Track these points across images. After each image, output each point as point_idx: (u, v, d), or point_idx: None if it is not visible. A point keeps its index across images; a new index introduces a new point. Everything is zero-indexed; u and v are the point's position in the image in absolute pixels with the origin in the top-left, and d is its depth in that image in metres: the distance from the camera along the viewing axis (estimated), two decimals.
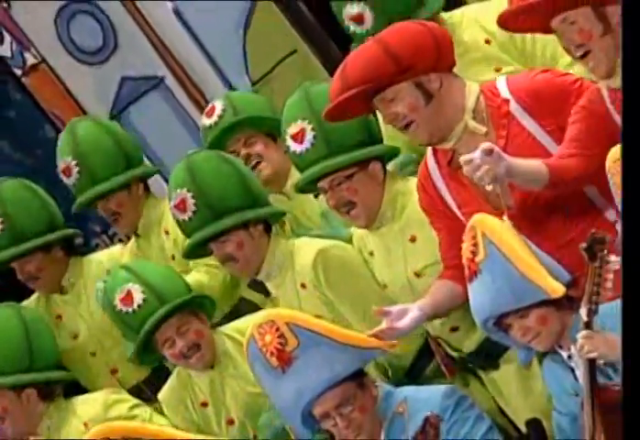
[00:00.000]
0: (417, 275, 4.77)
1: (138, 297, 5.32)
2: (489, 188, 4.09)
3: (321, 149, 4.94)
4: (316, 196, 5.32)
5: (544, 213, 4.13)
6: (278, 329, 4.38)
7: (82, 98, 7.55)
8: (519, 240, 4.14)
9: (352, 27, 5.13)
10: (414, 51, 4.28)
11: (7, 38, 7.67)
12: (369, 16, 5.09)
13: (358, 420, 4.34)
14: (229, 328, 5.29)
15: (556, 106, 4.01)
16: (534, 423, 4.63)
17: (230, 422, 5.29)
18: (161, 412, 5.54)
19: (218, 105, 5.58)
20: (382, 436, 4.42)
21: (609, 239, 3.65)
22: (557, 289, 3.95)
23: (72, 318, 6.10)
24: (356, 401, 4.35)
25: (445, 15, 5.07)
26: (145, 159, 6.22)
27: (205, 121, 5.69)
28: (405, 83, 4.30)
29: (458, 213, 4.18)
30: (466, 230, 4.16)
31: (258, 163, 5.27)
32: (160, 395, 5.43)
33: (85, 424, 5.43)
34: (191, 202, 5.15)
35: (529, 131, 4.23)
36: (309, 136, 5.01)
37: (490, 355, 4.68)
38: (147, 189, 5.98)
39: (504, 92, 4.28)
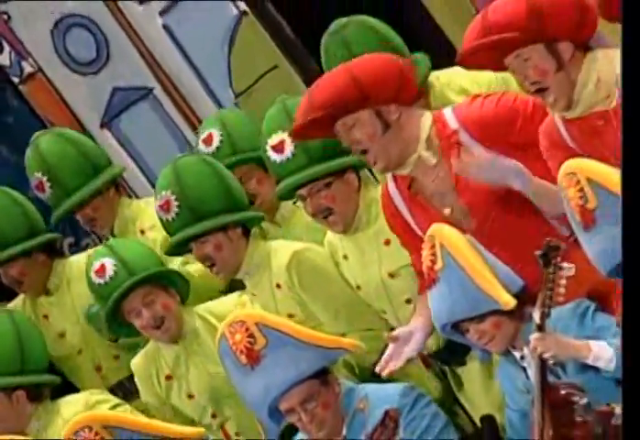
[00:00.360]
0: (391, 276, 4.93)
1: (110, 269, 5.54)
2: (446, 212, 4.41)
3: (300, 159, 5.09)
4: (294, 203, 5.47)
5: (504, 232, 4.32)
6: (247, 329, 4.48)
7: (75, 106, 7.68)
8: (474, 251, 4.29)
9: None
10: (378, 81, 4.42)
11: (6, 48, 7.77)
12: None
13: (320, 415, 4.46)
14: (202, 308, 5.49)
15: (504, 130, 4.14)
16: (488, 419, 4.59)
17: (190, 396, 5.51)
18: (142, 411, 5.66)
19: (215, 134, 5.73)
20: (344, 431, 4.52)
21: (563, 247, 3.86)
22: (508, 301, 4.12)
23: (58, 318, 6.30)
24: (319, 398, 4.47)
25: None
26: (132, 163, 6.47)
27: (203, 148, 5.79)
28: (366, 111, 4.44)
29: (421, 234, 4.29)
30: (425, 239, 4.31)
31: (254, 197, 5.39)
32: (132, 362, 5.59)
33: None
34: (174, 203, 5.29)
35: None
36: (289, 146, 5.13)
37: (455, 352, 4.84)
38: (117, 189, 6.20)
39: (453, 122, 4.40)
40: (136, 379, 5.70)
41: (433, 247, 4.29)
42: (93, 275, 5.64)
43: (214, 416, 5.51)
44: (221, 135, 5.68)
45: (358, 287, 5.08)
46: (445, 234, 4.32)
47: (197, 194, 5.36)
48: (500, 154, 4.25)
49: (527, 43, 4.06)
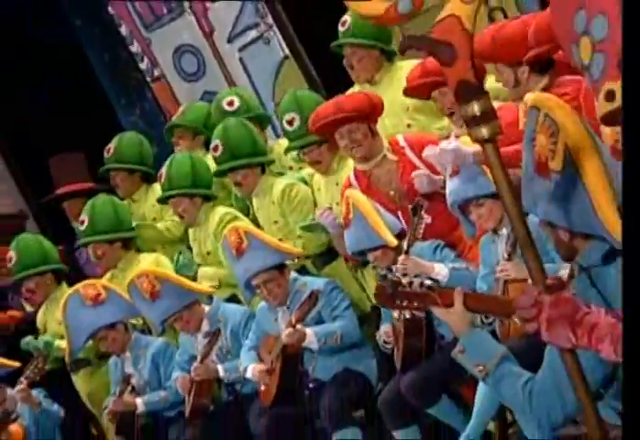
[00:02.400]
0: (337, 204, 5.40)
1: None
2: (391, 193, 5.13)
3: (302, 130, 5.65)
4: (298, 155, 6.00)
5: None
6: (239, 234, 5.40)
7: (182, 101, 8.05)
8: (372, 207, 5.00)
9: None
10: (377, 104, 5.22)
11: (146, 59, 8.38)
12: None
13: (275, 291, 5.36)
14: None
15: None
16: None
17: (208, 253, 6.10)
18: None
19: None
20: (288, 302, 5.39)
21: (425, 205, 4.81)
22: (392, 241, 4.90)
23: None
24: (275, 281, 5.34)
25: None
26: None
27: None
28: (365, 123, 5.19)
29: None
30: (343, 199, 5.14)
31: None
32: None
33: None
34: (220, 148, 5.97)
35: (414, 162, 5.11)
36: (296, 122, 5.72)
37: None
38: None
39: (401, 141, 5.20)
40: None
41: (347, 204, 5.03)
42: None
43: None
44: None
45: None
46: (354, 196, 5.08)
47: (234, 142, 5.98)
48: (422, 161, 4.97)
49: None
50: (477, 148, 4.10)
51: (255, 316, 5.65)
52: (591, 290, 2.70)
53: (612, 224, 2.55)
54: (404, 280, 2.98)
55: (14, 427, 6.10)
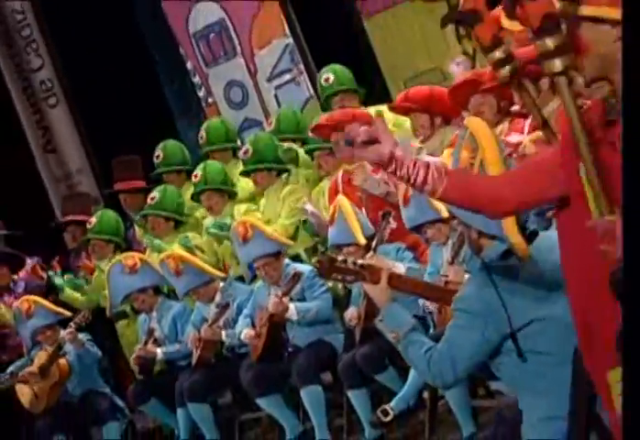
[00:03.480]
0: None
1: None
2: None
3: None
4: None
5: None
6: (245, 226, 5.40)
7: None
8: (352, 211, 4.95)
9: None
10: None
11: (203, 89, 8.35)
12: None
13: (270, 273, 5.37)
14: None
15: None
16: None
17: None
18: None
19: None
20: (282, 283, 5.34)
21: (393, 214, 4.72)
22: (361, 240, 4.89)
23: None
24: (272, 265, 5.35)
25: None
26: None
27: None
28: None
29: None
30: (331, 198, 5.18)
31: None
32: None
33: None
34: (250, 151, 5.90)
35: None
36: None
37: None
38: None
39: None
40: None
41: (335, 206, 4.99)
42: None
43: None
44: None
45: None
46: (341, 200, 5.03)
47: (261, 149, 5.92)
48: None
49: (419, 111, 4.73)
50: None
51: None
52: (488, 289, 2.70)
53: (508, 226, 2.59)
54: (340, 258, 3.01)
55: (62, 360, 6.12)
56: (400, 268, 4.62)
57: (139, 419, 6.49)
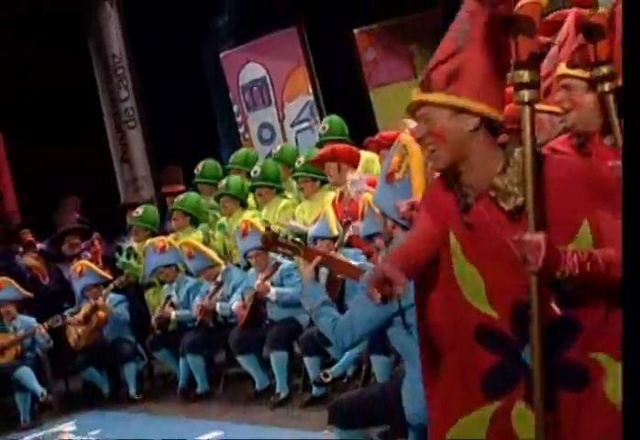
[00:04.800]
0: None
1: None
2: None
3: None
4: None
5: None
6: (246, 224, 5.10)
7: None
8: (335, 217, 4.61)
9: None
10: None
11: (243, 127, 8.39)
12: None
13: (260, 262, 5.16)
14: None
15: None
16: None
17: None
18: None
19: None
20: (266, 270, 5.09)
21: (351, 223, 4.34)
22: (334, 233, 4.53)
23: None
24: (262, 256, 5.06)
25: None
26: None
27: None
28: (334, 163, 5.03)
29: None
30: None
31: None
32: None
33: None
34: (258, 172, 5.78)
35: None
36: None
37: None
38: None
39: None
40: None
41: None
42: None
43: None
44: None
45: None
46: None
47: (266, 171, 5.82)
48: None
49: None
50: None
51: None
52: None
53: None
54: (282, 234, 2.95)
55: (101, 312, 6.09)
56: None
57: (156, 364, 6.43)
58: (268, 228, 3.46)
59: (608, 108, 2.01)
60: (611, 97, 2.01)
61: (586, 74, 2.11)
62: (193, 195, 6.35)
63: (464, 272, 1.82)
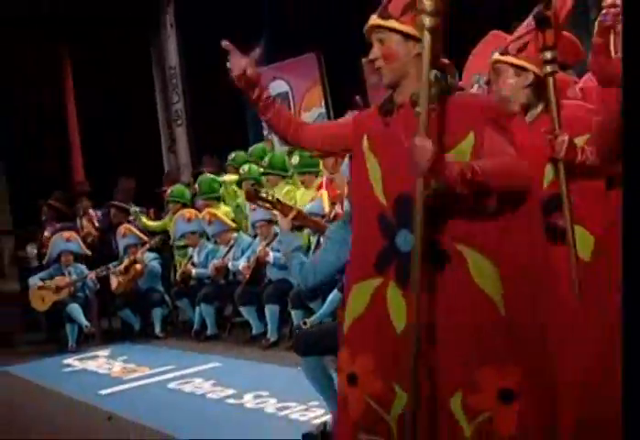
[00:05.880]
0: None
1: None
2: None
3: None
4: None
5: None
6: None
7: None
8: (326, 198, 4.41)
9: None
10: None
11: (266, 130, 7.60)
12: None
13: (264, 232, 5.03)
14: None
15: None
16: None
17: None
18: None
19: None
20: (268, 238, 4.98)
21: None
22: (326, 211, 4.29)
23: None
24: (266, 226, 4.99)
25: None
26: None
27: None
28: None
29: None
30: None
31: None
32: None
33: None
34: (267, 161, 5.47)
35: None
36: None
37: None
38: None
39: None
40: None
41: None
42: None
43: None
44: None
45: None
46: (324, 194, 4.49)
47: (273, 161, 5.54)
48: None
49: None
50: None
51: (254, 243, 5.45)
52: (347, 226, 2.30)
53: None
54: (263, 191, 2.83)
55: (138, 265, 6.04)
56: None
57: (180, 312, 6.36)
58: (252, 184, 3.27)
59: (548, 88, 1.91)
60: (551, 79, 1.92)
61: (514, 60, 2.03)
62: (210, 178, 6.10)
63: (372, 166, 1.78)
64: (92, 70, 8.27)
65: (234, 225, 5.59)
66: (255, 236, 5.45)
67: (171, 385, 3.99)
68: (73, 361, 5.25)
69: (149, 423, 3.14)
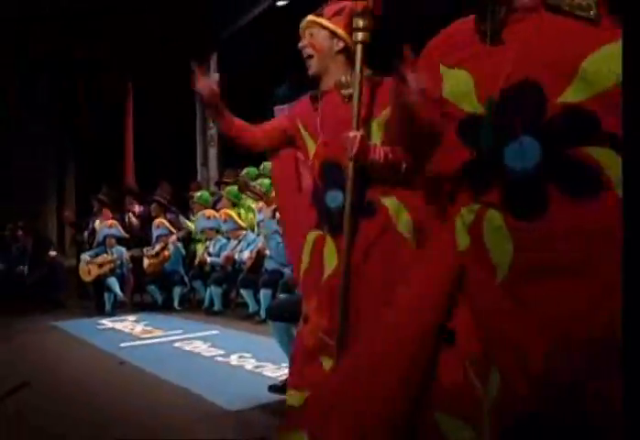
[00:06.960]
0: None
1: None
2: None
3: None
4: None
5: None
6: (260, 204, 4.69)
7: None
8: None
9: None
10: None
11: None
12: None
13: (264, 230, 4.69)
14: None
15: None
16: None
17: None
18: None
19: None
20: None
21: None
22: None
23: None
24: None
25: None
26: None
27: None
28: None
29: None
30: None
31: None
32: None
33: None
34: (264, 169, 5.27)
35: None
36: None
37: None
38: None
39: None
40: None
41: None
42: None
43: None
44: None
45: None
46: None
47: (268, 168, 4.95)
48: None
49: None
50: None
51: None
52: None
53: None
54: (252, 183, 2.62)
55: (166, 251, 5.98)
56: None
57: (197, 292, 6.26)
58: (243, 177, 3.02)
59: (355, 56, 1.63)
60: (360, 46, 1.62)
61: (328, 24, 1.73)
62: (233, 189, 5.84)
63: (310, 145, 1.77)
64: (148, 97, 8.36)
65: (244, 224, 5.47)
66: (258, 235, 5.33)
67: (176, 344, 4.03)
68: (106, 322, 5.27)
69: (150, 369, 3.24)
